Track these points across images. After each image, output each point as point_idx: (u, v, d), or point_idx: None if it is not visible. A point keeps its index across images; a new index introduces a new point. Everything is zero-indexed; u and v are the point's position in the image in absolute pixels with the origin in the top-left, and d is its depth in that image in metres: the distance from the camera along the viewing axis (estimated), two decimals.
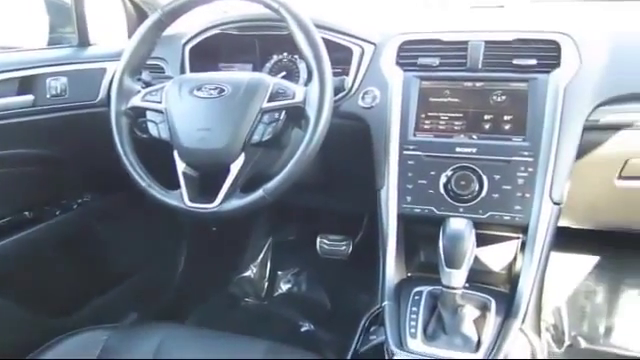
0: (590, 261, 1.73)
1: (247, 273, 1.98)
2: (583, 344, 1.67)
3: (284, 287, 1.96)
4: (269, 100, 0.99)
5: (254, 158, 0.99)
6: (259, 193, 0.96)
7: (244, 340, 1.00)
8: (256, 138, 0.97)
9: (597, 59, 1.05)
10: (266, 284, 1.97)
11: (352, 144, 1.15)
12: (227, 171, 0.97)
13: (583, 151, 1.06)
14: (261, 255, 1.98)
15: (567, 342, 1.67)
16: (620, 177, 1.12)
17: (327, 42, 1.05)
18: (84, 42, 1.44)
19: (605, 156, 1.08)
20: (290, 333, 1.75)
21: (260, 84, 1.00)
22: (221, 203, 0.97)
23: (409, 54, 1.14)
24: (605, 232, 1.51)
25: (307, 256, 1.91)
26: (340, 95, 1.14)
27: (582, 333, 1.68)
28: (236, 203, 0.97)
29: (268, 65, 1.34)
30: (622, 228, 1.38)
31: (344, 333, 1.11)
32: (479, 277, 1.06)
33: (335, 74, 1.10)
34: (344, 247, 1.85)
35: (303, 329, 1.77)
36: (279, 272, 1.96)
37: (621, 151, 1.07)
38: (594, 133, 1.05)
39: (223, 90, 1.01)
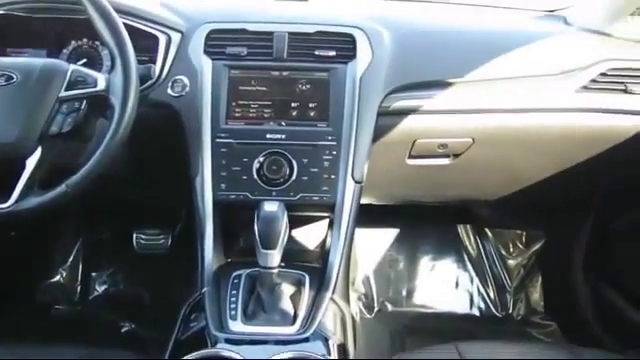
0: (392, 233, 1.94)
1: (56, 278, 1.82)
2: (390, 308, 1.87)
3: (100, 289, 1.84)
4: (67, 88, 0.92)
5: (53, 151, 0.92)
6: (61, 188, 0.90)
7: (55, 349, 0.93)
8: (54, 129, 0.91)
9: (386, 52, 1.17)
10: (79, 288, 1.83)
11: (163, 133, 1.13)
12: (22, 167, 0.89)
13: (378, 134, 1.17)
14: (71, 257, 1.83)
15: (376, 308, 1.85)
16: (410, 156, 1.27)
17: (131, 29, 1.01)
18: None
19: (397, 138, 1.21)
20: (109, 335, 1.66)
21: (55, 71, 0.93)
22: (16, 202, 0.88)
23: (217, 43, 1.15)
24: (402, 206, 1.69)
25: (123, 254, 1.82)
26: (148, 84, 1.11)
27: (388, 298, 1.88)
28: (35, 201, 0.89)
29: (66, 51, 1.24)
30: (415, 201, 1.57)
31: (167, 327, 1.09)
32: (295, 256, 1.12)
33: (141, 62, 1.07)
34: (162, 241, 1.80)
35: (124, 330, 1.69)
36: (93, 273, 1.84)
37: (410, 133, 1.21)
38: (387, 118, 1.17)
39: (11, 77, 0.92)
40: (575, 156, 1.28)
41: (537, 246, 1.90)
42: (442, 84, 1.18)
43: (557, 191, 1.46)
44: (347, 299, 1.05)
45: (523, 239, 1.93)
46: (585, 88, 1.19)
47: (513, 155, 1.29)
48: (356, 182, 1.11)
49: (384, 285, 1.89)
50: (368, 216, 1.82)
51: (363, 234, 1.89)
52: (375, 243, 1.92)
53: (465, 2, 1.54)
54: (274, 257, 0.94)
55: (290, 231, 1.01)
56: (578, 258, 1.72)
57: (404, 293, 1.89)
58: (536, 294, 1.88)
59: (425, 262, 1.94)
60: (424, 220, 1.91)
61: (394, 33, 1.21)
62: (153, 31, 1.15)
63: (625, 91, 1.20)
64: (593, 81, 1.19)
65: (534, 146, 1.26)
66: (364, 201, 1.52)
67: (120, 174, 1.14)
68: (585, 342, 1.58)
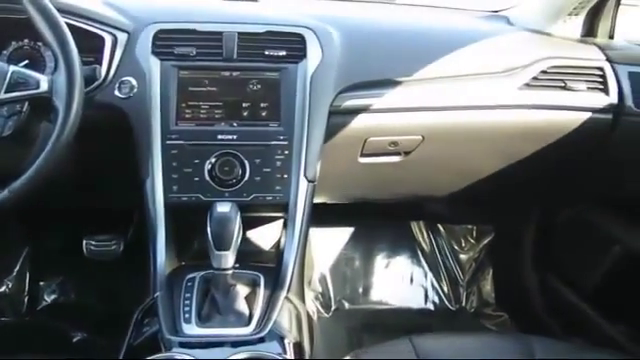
0: (347, 232, 1.95)
1: (1, 289, 1.75)
2: (347, 306, 1.88)
3: (49, 298, 1.78)
4: (7, 90, 0.89)
5: None
6: (3, 194, 0.87)
7: None
8: None
9: (336, 52, 1.18)
10: (26, 298, 1.77)
11: (112, 136, 1.10)
12: None
13: (330, 133, 1.18)
14: (17, 266, 1.76)
15: (333, 306, 1.86)
16: (362, 155, 1.29)
17: (74, 29, 0.98)
18: None
19: (348, 137, 1.22)
20: (60, 346, 1.60)
21: None
22: None
23: (165, 43, 1.13)
24: (356, 204, 1.71)
25: (73, 261, 1.76)
26: (93, 85, 1.08)
27: (345, 296, 1.90)
28: None
29: (5, 53, 1.20)
30: (368, 199, 1.59)
31: (120, 334, 1.07)
32: (250, 257, 1.12)
33: (87, 63, 1.04)
34: (114, 246, 1.75)
35: (75, 339, 1.64)
36: (41, 283, 1.78)
37: (361, 132, 1.23)
38: (338, 117, 1.18)
39: None
40: (520, 151, 1.33)
41: (487, 240, 1.95)
42: (391, 83, 1.20)
43: (505, 186, 1.51)
44: (302, 298, 1.06)
45: (474, 234, 1.98)
46: (527, 85, 1.24)
47: (461, 151, 1.33)
48: (309, 181, 1.11)
49: (340, 284, 1.90)
50: (323, 215, 1.83)
51: (319, 234, 1.90)
52: (331, 242, 1.93)
53: (412, 3, 1.57)
54: (228, 258, 0.94)
55: (244, 232, 1.00)
56: (526, 251, 1.78)
57: (360, 291, 1.92)
58: (487, 287, 1.94)
59: (380, 259, 1.96)
60: (378, 218, 1.93)
61: (343, 33, 1.22)
62: (98, 31, 1.12)
63: (564, 88, 1.25)
64: (534, 79, 1.24)
65: (481, 142, 1.30)
66: (318, 200, 1.53)
67: (67, 178, 1.11)
68: (534, 331, 1.64)
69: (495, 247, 1.94)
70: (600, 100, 1.26)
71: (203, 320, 0.95)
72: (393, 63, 1.22)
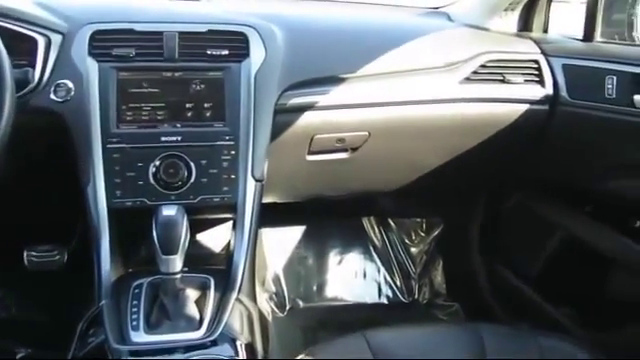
0: (299, 231, 1.95)
1: None
2: (301, 304, 1.88)
3: None
4: None
5: None
6: None
7: None
8: None
9: (279, 50, 1.18)
10: None
11: (49, 141, 1.06)
12: None
13: (277, 132, 1.17)
14: None
15: (288, 306, 1.86)
16: (310, 152, 1.29)
17: (3, 30, 0.94)
18: None
19: (295, 135, 1.22)
20: None
21: None
22: None
23: (103, 44, 1.09)
24: (307, 202, 1.71)
25: (13, 274, 1.68)
26: (27, 89, 1.04)
27: (299, 295, 1.89)
28: None
29: None
30: (319, 197, 1.59)
31: (66, 348, 1.03)
32: (199, 260, 1.10)
33: (19, 66, 1.00)
34: (57, 257, 1.68)
35: (19, 356, 1.57)
36: None
37: (307, 129, 1.23)
38: (284, 115, 1.18)
39: None
40: (464, 144, 1.36)
41: (436, 232, 1.99)
42: (335, 80, 1.20)
43: (451, 178, 1.54)
44: (254, 298, 1.05)
45: (424, 226, 2.01)
46: (468, 79, 1.27)
47: (407, 146, 1.35)
48: (257, 181, 1.10)
49: (294, 282, 1.90)
50: (274, 215, 1.82)
51: (271, 234, 1.89)
52: (283, 242, 1.93)
53: (354, 0, 1.59)
54: (175, 262, 0.92)
55: (193, 235, 0.99)
56: (474, 241, 1.83)
57: (315, 289, 1.92)
58: (439, 278, 1.98)
59: (333, 256, 1.97)
60: (330, 215, 1.94)
61: (287, 31, 1.22)
62: (30, 33, 1.07)
63: (503, 81, 1.29)
64: (474, 73, 1.27)
65: (425, 136, 1.32)
66: (268, 200, 1.52)
67: (2, 187, 1.06)
68: (484, 318, 1.69)
69: (444, 239, 1.98)
70: (537, 92, 1.30)
71: (152, 327, 0.93)
72: (337, 60, 1.23)
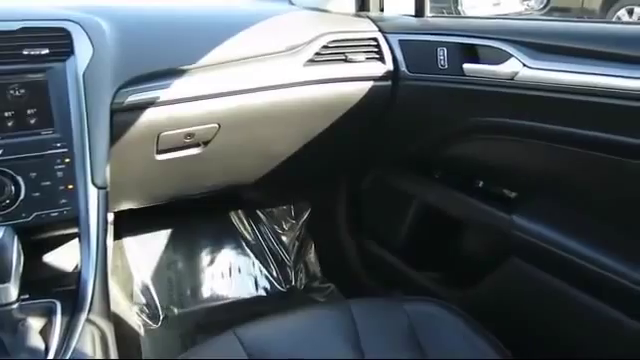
0: (165, 234, 1.86)
1: None
2: (177, 311, 1.80)
3: None
4: None
5: None
6: None
7: None
8: None
9: (109, 45, 1.09)
10: None
11: None
12: None
13: (118, 133, 1.09)
14: None
15: (162, 315, 1.77)
16: (158, 151, 1.21)
17: None
18: None
19: (139, 134, 1.14)
20: None
21: None
22: None
23: None
24: (170, 204, 1.63)
25: None
26: None
27: (173, 302, 1.81)
28: None
29: None
30: (175, 198, 1.51)
31: None
32: (45, 284, 0.99)
33: None
34: None
35: None
36: None
37: (152, 127, 1.15)
38: (123, 114, 1.09)
39: None
40: (315, 126, 1.37)
41: (305, 217, 2.01)
42: (175, 72, 1.14)
43: (310, 163, 1.55)
44: (108, 315, 0.96)
45: (292, 213, 2.02)
46: (311, 61, 1.27)
47: (260, 135, 1.32)
48: (99, 188, 1.01)
49: (166, 290, 1.81)
50: (135, 222, 1.72)
51: (133, 243, 1.78)
52: (148, 249, 1.82)
53: None
54: (9, 291, 0.81)
55: (36, 257, 0.89)
56: (341, 220, 1.87)
57: (188, 292, 1.84)
58: (313, 262, 2.00)
59: (204, 256, 1.91)
60: (196, 214, 1.87)
61: (116, 25, 1.13)
62: None
63: (346, 60, 1.31)
64: (317, 54, 1.28)
65: (277, 122, 1.31)
66: (122, 207, 1.43)
67: None
68: (360, 294, 1.73)
69: (313, 222, 2.00)
70: (378, 68, 1.34)
71: None
72: (174, 51, 1.16)
